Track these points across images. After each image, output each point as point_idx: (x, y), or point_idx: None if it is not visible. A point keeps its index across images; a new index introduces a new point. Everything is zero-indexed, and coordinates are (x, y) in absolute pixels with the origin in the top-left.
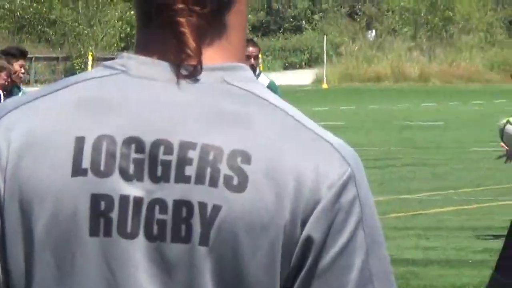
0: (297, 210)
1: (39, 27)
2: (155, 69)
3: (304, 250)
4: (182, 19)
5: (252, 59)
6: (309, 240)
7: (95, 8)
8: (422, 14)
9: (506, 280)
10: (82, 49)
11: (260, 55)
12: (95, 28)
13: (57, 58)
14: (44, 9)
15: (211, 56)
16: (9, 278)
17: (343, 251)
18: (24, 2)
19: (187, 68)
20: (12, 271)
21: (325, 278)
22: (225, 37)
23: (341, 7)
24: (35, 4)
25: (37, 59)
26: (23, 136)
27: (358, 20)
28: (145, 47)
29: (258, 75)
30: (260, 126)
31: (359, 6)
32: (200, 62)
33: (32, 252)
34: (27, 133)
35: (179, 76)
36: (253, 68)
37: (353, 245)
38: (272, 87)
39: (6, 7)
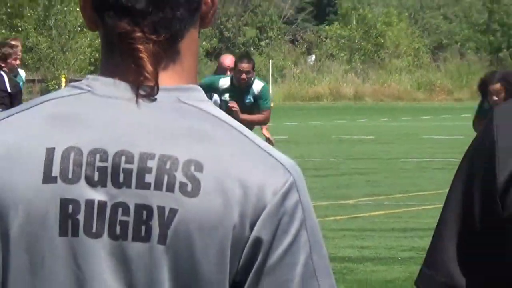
0: (245, 214)
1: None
2: (117, 89)
3: (254, 249)
4: (140, 46)
5: (244, 74)
6: (257, 241)
7: (67, 36)
8: (357, 41)
9: (430, 272)
10: (56, 72)
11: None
12: (67, 54)
13: (33, 80)
14: (22, 37)
15: (166, 78)
16: None
17: (289, 250)
18: (4, 31)
19: (145, 89)
20: None
21: (274, 274)
22: (178, 62)
23: (284, 34)
24: (13, 34)
25: None
26: None
27: (299, 46)
28: (108, 70)
29: (253, 81)
30: (212, 139)
31: (301, 34)
32: (156, 84)
33: (8, 252)
34: (2, 145)
35: (138, 95)
36: (244, 81)
37: (297, 244)
38: (264, 90)
39: None
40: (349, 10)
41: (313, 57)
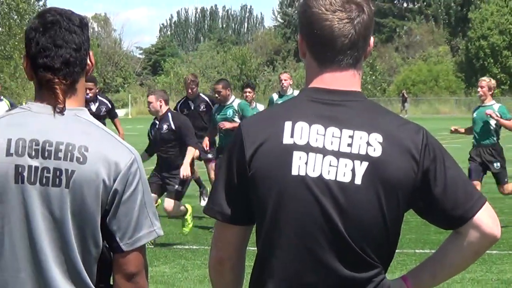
0: (110, 175)
1: None
2: (44, 108)
3: (114, 193)
4: (57, 86)
5: (217, 94)
6: (116, 190)
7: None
8: None
9: (211, 205)
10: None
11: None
12: (27, 90)
13: None
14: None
15: (69, 103)
16: None
17: (132, 193)
18: None
19: (59, 108)
20: None
21: (125, 205)
22: (75, 95)
23: None
24: None
25: None
26: None
27: None
28: (39, 99)
29: (232, 101)
30: (91, 134)
31: None
32: (64, 106)
33: None
34: None
35: (54, 112)
36: (218, 99)
37: (136, 190)
38: (242, 105)
39: None
40: None
41: None
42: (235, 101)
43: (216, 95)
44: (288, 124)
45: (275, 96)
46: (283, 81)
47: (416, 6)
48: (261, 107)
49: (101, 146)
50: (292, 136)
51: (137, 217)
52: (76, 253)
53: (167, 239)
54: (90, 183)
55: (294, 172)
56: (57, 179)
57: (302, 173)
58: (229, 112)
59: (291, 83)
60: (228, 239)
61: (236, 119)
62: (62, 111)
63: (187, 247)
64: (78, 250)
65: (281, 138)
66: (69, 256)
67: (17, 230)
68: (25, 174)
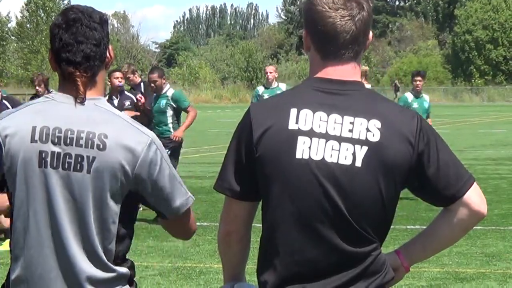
0: (129, 161)
1: None
2: (66, 98)
3: (139, 178)
4: (78, 79)
5: (152, 83)
6: (139, 174)
7: None
8: None
9: (221, 182)
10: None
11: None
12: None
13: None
14: None
15: (89, 94)
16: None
17: (159, 172)
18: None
19: (80, 99)
20: (12, 192)
21: (156, 184)
22: (95, 85)
23: None
24: None
25: None
26: (9, 129)
27: None
28: (62, 89)
29: (167, 90)
30: (110, 122)
31: None
32: (85, 97)
33: (14, 181)
34: (10, 127)
35: (76, 102)
36: (154, 88)
37: (162, 168)
38: (177, 95)
39: None
40: None
41: None
42: (169, 91)
43: (152, 85)
44: (293, 111)
45: (260, 89)
46: (268, 74)
47: (407, 4)
48: (283, 86)
49: (119, 133)
50: (297, 122)
51: (170, 191)
52: (94, 233)
53: None
54: (110, 169)
55: (298, 155)
56: (79, 165)
57: (306, 157)
58: (162, 102)
59: (276, 76)
60: (236, 214)
61: (169, 110)
62: (82, 102)
63: (198, 224)
64: (96, 230)
65: (286, 123)
66: (87, 235)
67: (40, 210)
68: (48, 159)
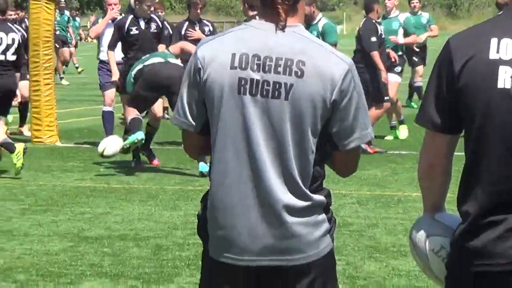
0: (326, 87)
1: None
2: (265, 25)
3: (333, 105)
4: (279, 6)
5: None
6: (335, 101)
7: None
8: None
9: (421, 115)
10: None
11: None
12: None
13: None
14: None
15: (289, 21)
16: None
17: (348, 102)
18: None
19: (281, 25)
20: (210, 117)
21: (341, 113)
22: (295, 13)
23: None
24: None
25: None
26: (208, 55)
27: None
28: (262, 16)
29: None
30: (308, 51)
31: None
32: (286, 24)
33: (213, 105)
34: (210, 53)
35: (276, 29)
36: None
37: (352, 98)
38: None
39: None
40: None
41: None
42: (321, 21)
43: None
44: (494, 41)
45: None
46: (386, 2)
47: None
48: (426, 15)
49: (317, 60)
50: (498, 52)
51: (351, 123)
52: (292, 161)
53: (379, 143)
54: (308, 96)
55: (500, 85)
56: (277, 92)
57: (508, 86)
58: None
59: (396, 3)
60: (437, 147)
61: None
62: (283, 28)
63: (397, 152)
64: (294, 158)
65: (487, 53)
66: (285, 163)
67: (238, 136)
68: (247, 86)
